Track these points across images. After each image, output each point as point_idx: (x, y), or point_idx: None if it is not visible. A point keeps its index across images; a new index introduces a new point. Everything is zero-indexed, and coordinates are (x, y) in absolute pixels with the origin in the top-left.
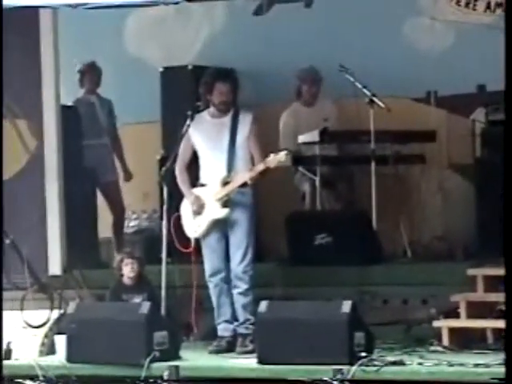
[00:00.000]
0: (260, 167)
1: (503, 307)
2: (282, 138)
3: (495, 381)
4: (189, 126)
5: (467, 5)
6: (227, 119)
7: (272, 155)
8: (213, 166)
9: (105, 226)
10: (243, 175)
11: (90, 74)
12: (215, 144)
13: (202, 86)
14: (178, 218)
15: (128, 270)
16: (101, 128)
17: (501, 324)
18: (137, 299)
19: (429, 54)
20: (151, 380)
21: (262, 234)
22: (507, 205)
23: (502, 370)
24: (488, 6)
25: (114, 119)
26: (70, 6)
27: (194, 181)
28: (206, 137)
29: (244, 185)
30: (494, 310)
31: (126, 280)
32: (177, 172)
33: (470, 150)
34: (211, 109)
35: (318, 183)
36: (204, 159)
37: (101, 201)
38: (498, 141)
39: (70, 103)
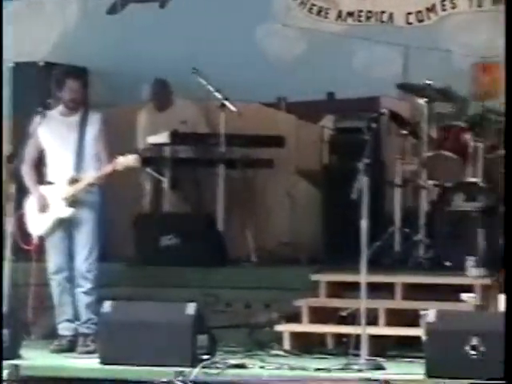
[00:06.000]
0: (108, 168)
1: (344, 313)
2: (137, 137)
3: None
4: (38, 123)
5: (319, 13)
6: (76, 118)
7: (121, 157)
8: (60, 165)
9: None
10: (90, 176)
11: None
12: (63, 143)
13: (52, 82)
14: (22, 216)
15: None
16: None
17: (341, 329)
18: None
19: (280, 60)
20: None
21: (111, 233)
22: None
23: (342, 374)
24: (339, 15)
25: None
26: None
27: (43, 179)
28: (54, 135)
29: (91, 184)
30: (335, 315)
31: None
32: (23, 169)
33: (318, 156)
34: (60, 107)
35: (166, 185)
36: (51, 157)
37: None
38: (345, 148)
39: None
